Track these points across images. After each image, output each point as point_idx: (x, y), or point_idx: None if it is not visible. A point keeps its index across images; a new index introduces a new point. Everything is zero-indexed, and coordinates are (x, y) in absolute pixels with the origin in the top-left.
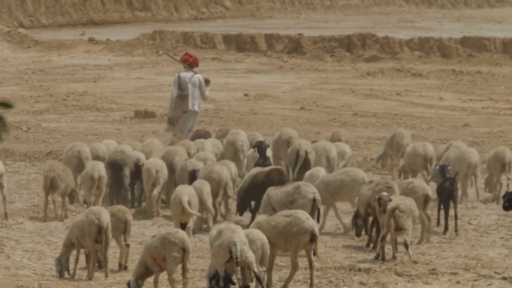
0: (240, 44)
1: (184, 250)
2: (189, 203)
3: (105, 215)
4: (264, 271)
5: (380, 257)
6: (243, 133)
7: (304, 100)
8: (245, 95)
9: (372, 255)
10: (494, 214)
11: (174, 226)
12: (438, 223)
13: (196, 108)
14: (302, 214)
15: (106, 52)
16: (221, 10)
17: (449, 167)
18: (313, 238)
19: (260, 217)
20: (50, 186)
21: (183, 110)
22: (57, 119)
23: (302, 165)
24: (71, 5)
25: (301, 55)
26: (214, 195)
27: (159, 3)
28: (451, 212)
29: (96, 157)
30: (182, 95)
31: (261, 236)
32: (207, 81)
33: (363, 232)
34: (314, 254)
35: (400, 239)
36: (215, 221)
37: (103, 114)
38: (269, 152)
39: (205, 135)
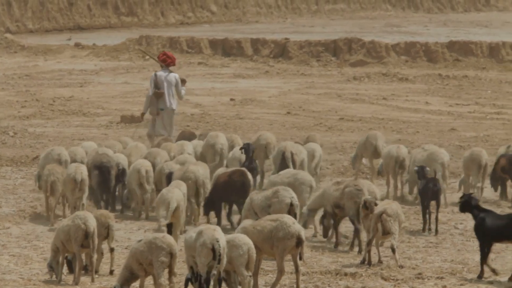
0: (226, 48)
1: (171, 255)
2: (177, 207)
3: (91, 219)
4: (250, 276)
5: (366, 262)
6: (223, 136)
7: (290, 104)
8: (231, 99)
9: (358, 259)
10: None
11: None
12: (424, 226)
13: (173, 106)
14: (288, 219)
15: (92, 57)
16: (207, 15)
17: (428, 168)
18: (299, 242)
19: (246, 222)
20: (50, 190)
21: (160, 108)
22: (44, 124)
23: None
24: (58, 10)
25: (287, 60)
26: (191, 195)
27: (145, 8)
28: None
29: (74, 161)
30: (158, 93)
31: (247, 241)
32: (183, 81)
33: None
34: (300, 258)
35: (386, 243)
36: (197, 221)
37: (89, 119)
38: None
39: (190, 136)
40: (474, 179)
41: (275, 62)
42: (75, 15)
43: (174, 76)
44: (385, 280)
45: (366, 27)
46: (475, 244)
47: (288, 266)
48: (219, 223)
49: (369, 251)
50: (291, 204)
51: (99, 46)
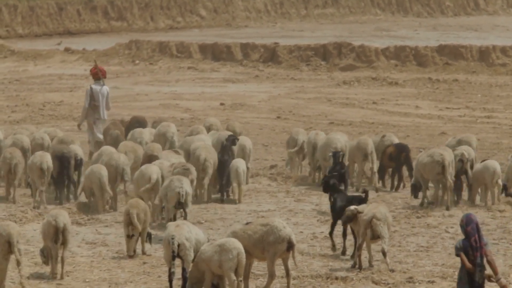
0: (216, 53)
1: (9, 243)
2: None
3: (62, 216)
4: (240, 280)
5: (357, 266)
6: (174, 126)
7: (280, 109)
8: (221, 104)
9: (349, 264)
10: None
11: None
12: None
13: (105, 116)
14: (279, 223)
15: (82, 61)
16: (197, 19)
17: (342, 152)
18: (290, 246)
19: (236, 226)
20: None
21: (95, 118)
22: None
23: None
24: (47, 15)
25: (277, 64)
26: (112, 180)
27: (135, 12)
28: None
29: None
30: (94, 105)
31: (237, 245)
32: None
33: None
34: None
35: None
36: (115, 204)
37: None
38: None
39: (143, 122)
40: (359, 166)
41: (265, 67)
42: (65, 20)
43: (106, 89)
44: (376, 284)
45: (356, 31)
46: None
47: (279, 270)
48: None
49: (359, 255)
50: (178, 193)
51: (89, 50)
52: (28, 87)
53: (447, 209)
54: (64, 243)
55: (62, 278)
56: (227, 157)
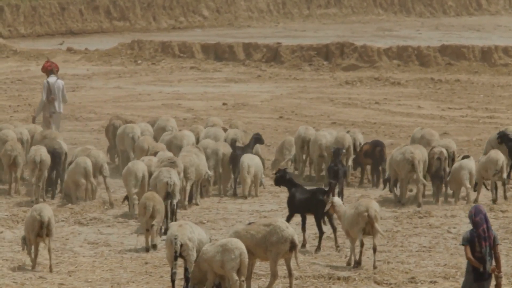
0: (218, 53)
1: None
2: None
3: (46, 211)
4: (243, 280)
5: (353, 263)
6: (173, 121)
7: (282, 109)
8: (224, 104)
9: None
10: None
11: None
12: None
13: (61, 110)
14: (282, 223)
15: (85, 61)
16: (199, 19)
17: (344, 150)
18: (292, 246)
19: (239, 226)
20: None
21: (51, 111)
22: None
23: None
24: (50, 15)
25: (279, 64)
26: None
27: (137, 12)
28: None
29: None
30: (51, 99)
31: (239, 245)
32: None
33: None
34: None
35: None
36: (94, 196)
37: (81, 124)
38: None
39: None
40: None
41: (267, 67)
42: (67, 20)
43: (61, 82)
44: (378, 284)
45: (358, 31)
46: None
47: (281, 270)
48: None
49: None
50: (167, 183)
51: (91, 50)
52: (30, 87)
53: (418, 206)
54: (49, 235)
55: (50, 270)
56: (239, 152)
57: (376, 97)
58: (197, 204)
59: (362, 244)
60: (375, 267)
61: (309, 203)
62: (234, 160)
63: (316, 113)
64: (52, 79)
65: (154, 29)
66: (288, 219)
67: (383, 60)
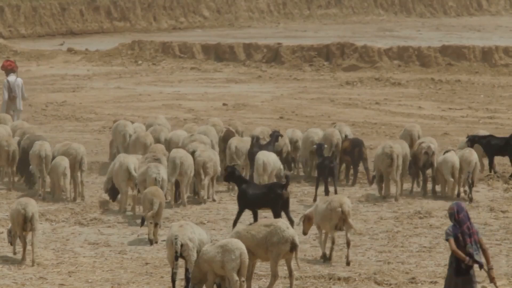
0: (219, 53)
1: None
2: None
3: (31, 205)
4: (243, 281)
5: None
6: (163, 118)
7: (283, 109)
8: (224, 104)
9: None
10: (474, 223)
11: None
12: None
13: (21, 107)
14: (282, 224)
15: (85, 62)
16: (200, 20)
17: (325, 145)
18: (293, 247)
19: (240, 227)
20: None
21: (12, 109)
22: (37, 129)
23: None
24: (50, 16)
25: (279, 65)
26: (71, 169)
27: (138, 13)
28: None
29: None
30: (12, 97)
31: (240, 246)
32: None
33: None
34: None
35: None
36: (76, 193)
37: (82, 124)
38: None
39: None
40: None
41: (267, 67)
42: (68, 20)
43: (20, 80)
44: (379, 284)
45: (359, 32)
46: None
47: (282, 270)
48: None
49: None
50: (155, 179)
51: (92, 51)
52: (30, 87)
53: (396, 200)
54: (33, 230)
55: (33, 264)
56: (257, 149)
57: (377, 97)
58: (214, 200)
59: (333, 241)
60: (348, 264)
61: (266, 198)
62: (251, 157)
63: (317, 113)
64: (11, 78)
65: (155, 29)
66: (238, 215)
67: (383, 60)
